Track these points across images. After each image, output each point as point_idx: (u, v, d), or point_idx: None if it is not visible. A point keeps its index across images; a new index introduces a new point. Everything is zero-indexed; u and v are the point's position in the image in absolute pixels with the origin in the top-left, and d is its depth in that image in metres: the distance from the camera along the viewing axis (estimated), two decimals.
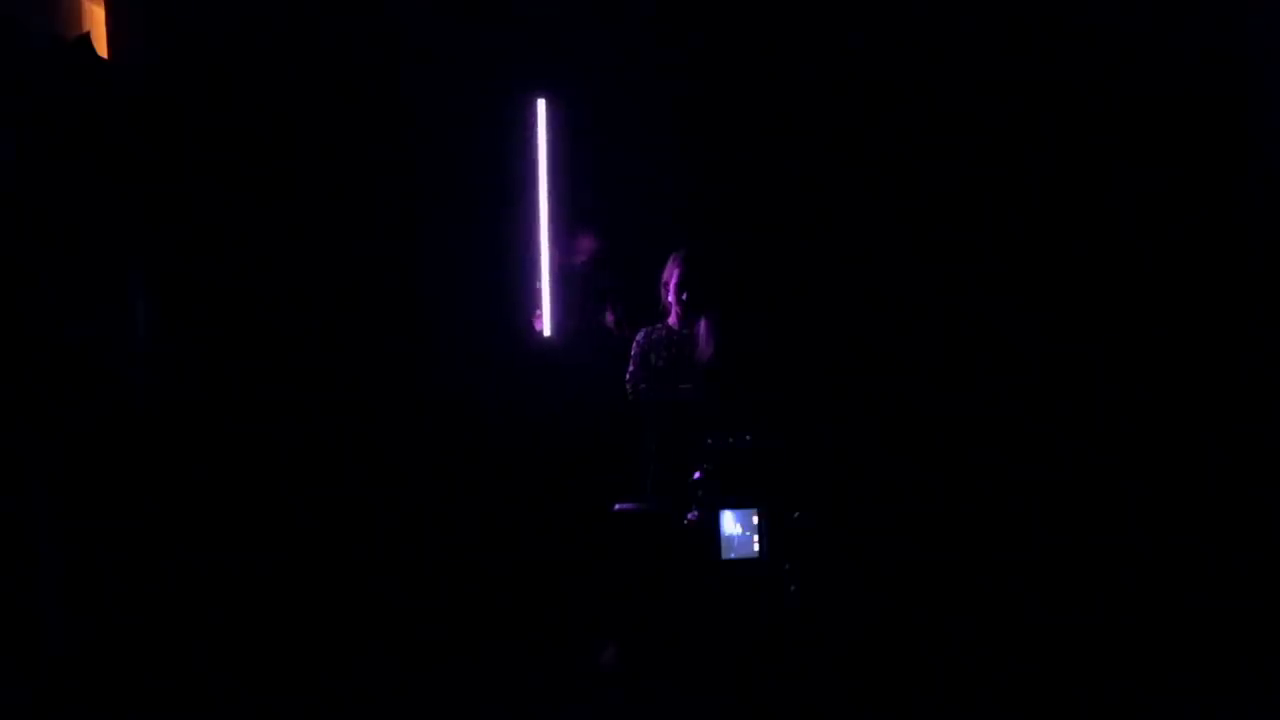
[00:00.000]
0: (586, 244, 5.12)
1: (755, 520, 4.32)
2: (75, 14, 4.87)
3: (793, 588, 4.31)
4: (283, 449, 5.03)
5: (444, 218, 5.19)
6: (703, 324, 4.74)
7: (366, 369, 5.14)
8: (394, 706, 4.28)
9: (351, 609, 4.99)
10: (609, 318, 5.06)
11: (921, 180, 5.24)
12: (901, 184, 5.24)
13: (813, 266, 5.22)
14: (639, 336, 4.84)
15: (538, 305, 4.93)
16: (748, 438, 4.41)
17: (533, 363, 5.05)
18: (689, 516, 4.39)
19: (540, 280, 4.91)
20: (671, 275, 4.78)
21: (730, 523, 4.32)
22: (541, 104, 4.93)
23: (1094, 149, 5.21)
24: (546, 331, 4.93)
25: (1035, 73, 5.21)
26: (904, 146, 5.23)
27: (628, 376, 4.80)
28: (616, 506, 4.55)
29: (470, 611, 5.02)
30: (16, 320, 4.37)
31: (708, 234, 5.09)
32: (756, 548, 4.32)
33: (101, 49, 4.93)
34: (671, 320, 4.82)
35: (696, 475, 4.39)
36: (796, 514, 4.35)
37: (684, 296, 4.75)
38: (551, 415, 5.13)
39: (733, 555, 4.32)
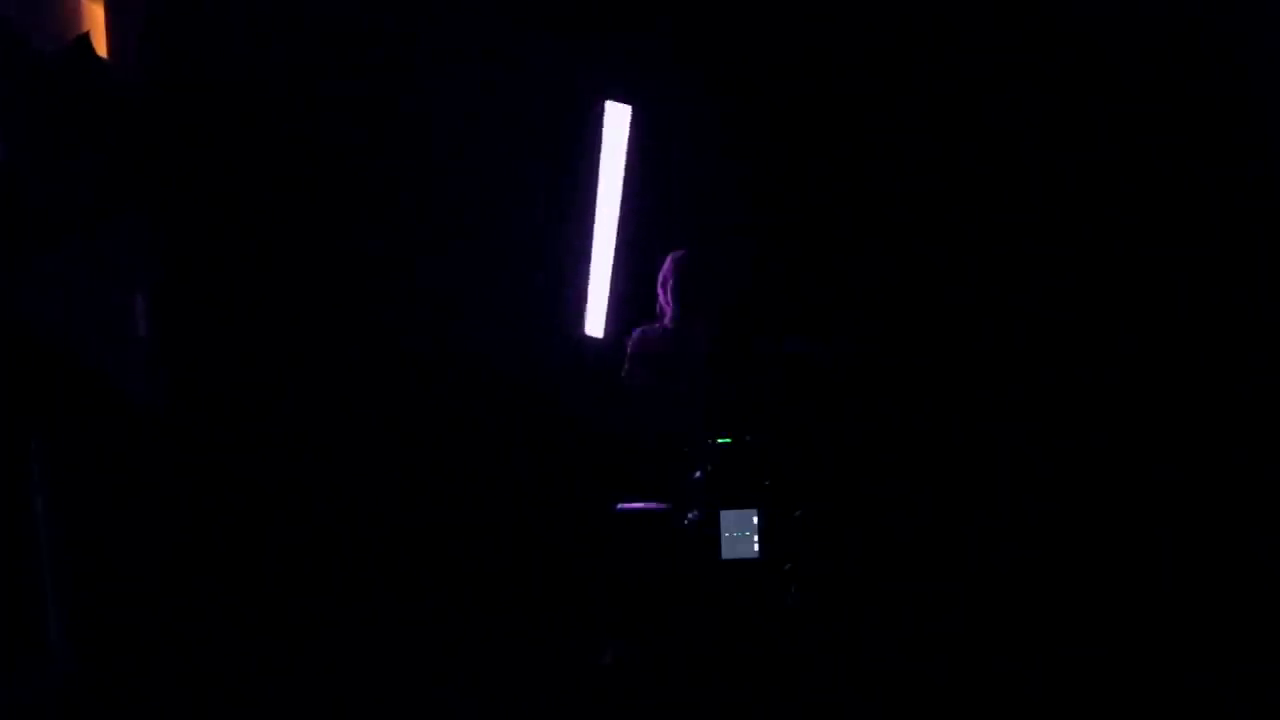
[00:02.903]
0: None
1: (755, 520, 4.32)
2: (75, 14, 4.86)
3: (793, 588, 4.31)
4: (289, 447, 5.03)
5: (485, 217, 5.16)
6: (699, 324, 4.73)
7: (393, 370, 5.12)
8: (394, 704, 4.29)
9: (353, 609, 5.00)
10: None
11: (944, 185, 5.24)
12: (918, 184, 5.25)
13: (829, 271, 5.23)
14: (635, 334, 4.83)
15: (588, 306, 4.89)
16: (747, 438, 4.41)
17: (573, 364, 5.00)
18: (689, 516, 4.39)
19: (593, 281, 4.86)
20: (668, 276, 4.77)
21: (730, 523, 4.32)
22: (611, 108, 4.83)
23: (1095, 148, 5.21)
24: (597, 333, 4.90)
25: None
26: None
27: (623, 374, 4.80)
28: (617, 506, 4.56)
29: (467, 612, 5.02)
30: (17, 321, 4.37)
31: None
32: (756, 548, 4.32)
33: (101, 49, 4.92)
34: (666, 321, 4.81)
35: (696, 475, 4.39)
36: (798, 513, 4.35)
37: (683, 297, 4.74)
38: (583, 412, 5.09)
39: (733, 555, 4.32)
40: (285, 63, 5.13)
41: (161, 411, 4.89)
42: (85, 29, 4.85)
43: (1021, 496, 5.08)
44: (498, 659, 4.69)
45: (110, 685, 4.40)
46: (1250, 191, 5.12)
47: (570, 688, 4.37)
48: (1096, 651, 4.59)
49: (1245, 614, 4.73)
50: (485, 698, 4.34)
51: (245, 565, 4.92)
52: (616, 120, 4.82)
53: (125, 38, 4.99)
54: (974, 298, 5.20)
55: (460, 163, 5.19)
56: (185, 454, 4.91)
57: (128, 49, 4.99)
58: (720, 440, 4.44)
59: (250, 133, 5.10)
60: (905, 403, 5.15)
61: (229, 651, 4.71)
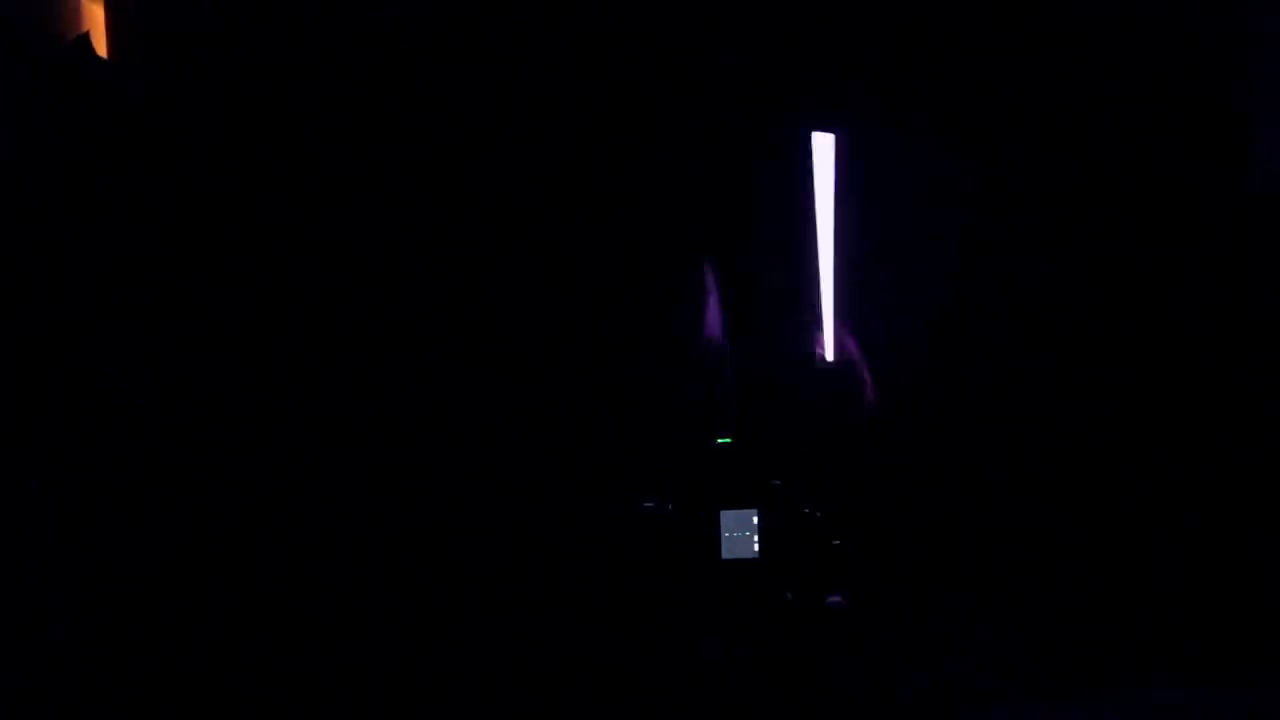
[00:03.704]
0: None
1: (755, 520, 4.33)
2: (75, 13, 4.86)
3: (792, 588, 4.32)
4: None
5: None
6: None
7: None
8: (396, 700, 4.29)
9: (353, 609, 5.00)
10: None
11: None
12: None
13: None
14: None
15: (819, 330, 4.86)
16: (744, 440, 4.42)
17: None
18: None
19: (820, 305, 4.85)
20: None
21: (730, 523, 4.32)
22: (824, 138, 4.90)
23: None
24: (829, 356, 4.87)
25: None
26: None
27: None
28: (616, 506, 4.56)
29: (467, 612, 5.02)
30: (16, 322, 4.37)
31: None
32: (756, 548, 4.32)
33: (101, 49, 4.92)
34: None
35: (700, 475, 4.40)
36: (806, 510, 4.36)
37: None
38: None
39: (733, 555, 4.32)
40: (293, 64, 5.12)
41: (161, 411, 4.89)
42: (85, 29, 4.85)
43: (1023, 496, 5.09)
44: (498, 659, 4.70)
45: (110, 685, 4.40)
46: (1249, 192, 5.13)
47: (571, 687, 4.38)
48: (1096, 652, 4.60)
49: (1244, 613, 4.74)
50: (485, 697, 4.34)
51: (245, 565, 4.91)
52: (821, 148, 4.92)
53: (125, 38, 5.00)
54: (976, 298, 5.21)
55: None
56: (185, 454, 4.90)
57: (128, 49, 4.99)
58: (721, 440, 4.44)
59: (250, 132, 5.10)
60: (907, 403, 5.16)
61: (229, 651, 4.71)
